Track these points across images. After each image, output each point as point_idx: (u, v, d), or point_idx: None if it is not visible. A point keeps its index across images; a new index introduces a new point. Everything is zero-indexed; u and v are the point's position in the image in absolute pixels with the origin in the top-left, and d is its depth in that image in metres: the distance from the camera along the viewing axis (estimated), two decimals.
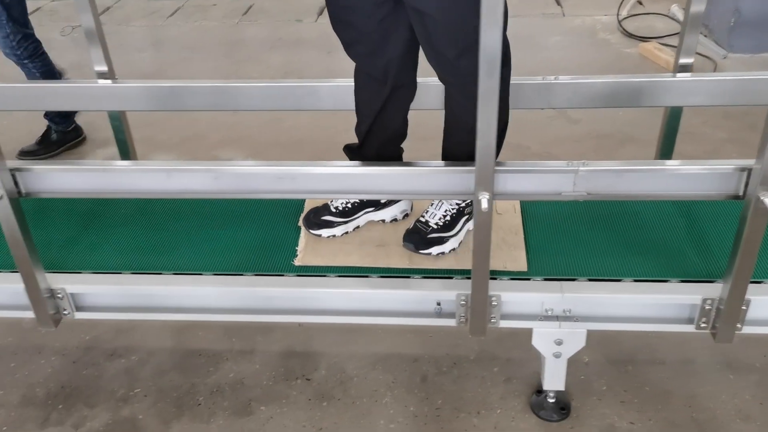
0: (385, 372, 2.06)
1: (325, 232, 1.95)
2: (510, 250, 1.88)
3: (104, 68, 2.11)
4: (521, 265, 1.83)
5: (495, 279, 1.74)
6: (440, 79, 1.72)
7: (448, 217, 1.88)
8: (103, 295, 1.81)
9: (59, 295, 1.78)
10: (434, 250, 1.85)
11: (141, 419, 1.94)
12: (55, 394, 2.03)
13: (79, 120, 3.38)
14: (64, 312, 1.80)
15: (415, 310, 1.76)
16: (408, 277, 1.80)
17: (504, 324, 1.73)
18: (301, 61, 4.41)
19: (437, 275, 1.80)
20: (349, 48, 1.74)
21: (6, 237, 1.63)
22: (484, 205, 1.45)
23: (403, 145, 1.95)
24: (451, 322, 1.75)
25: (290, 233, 1.98)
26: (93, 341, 2.20)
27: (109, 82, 2.09)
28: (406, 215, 2.04)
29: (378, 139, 1.86)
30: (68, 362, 2.13)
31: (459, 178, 1.58)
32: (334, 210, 1.97)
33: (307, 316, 1.83)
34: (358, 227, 1.99)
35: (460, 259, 1.85)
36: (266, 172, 1.63)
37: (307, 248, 1.92)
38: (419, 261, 1.85)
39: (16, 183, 1.62)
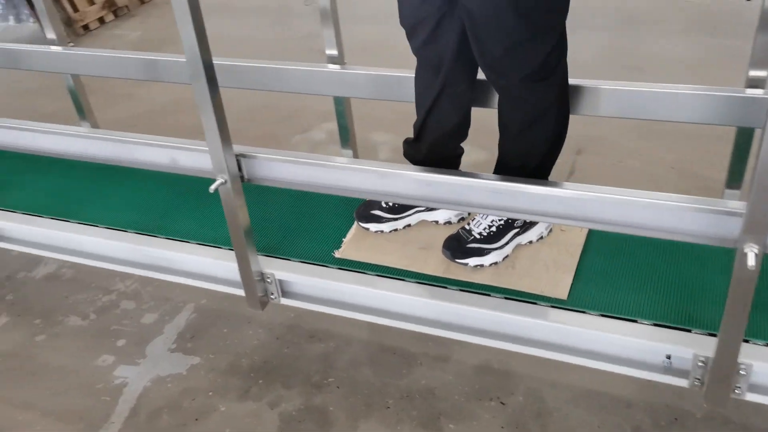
0: (590, 412, 1.83)
1: (372, 227, 1.91)
2: (555, 273, 1.70)
3: (334, 52, 2.09)
4: (561, 292, 1.65)
5: (747, 342, 1.43)
6: (487, 78, 1.62)
7: (494, 228, 1.75)
8: (308, 286, 1.81)
9: (268, 280, 1.80)
10: (472, 261, 1.74)
11: (331, 411, 1.93)
12: (258, 367, 2.10)
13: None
14: (271, 296, 1.83)
15: (640, 359, 1.52)
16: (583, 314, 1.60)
17: (753, 398, 1.42)
18: None
19: (469, 289, 1.68)
20: (410, 39, 1.67)
21: (226, 217, 1.68)
22: (751, 261, 1.16)
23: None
24: (682, 383, 1.47)
25: None
26: (297, 320, 2.25)
27: (337, 67, 2.07)
28: (462, 219, 1.92)
29: (432, 135, 1.77)
30: (272, 337, 2.20)
31: (715, 219, 1.29)
32: (384, 205, 1.90)
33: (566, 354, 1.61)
34: (409, 225, 1.92)
35: (498, 276, 1.71)
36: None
37: (352, 241, 1.90)
38: (455, 271, 1.75)
39: (240, 168, 1.64)
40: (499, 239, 1.75)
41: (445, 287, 1.71)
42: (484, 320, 1.66)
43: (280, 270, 1.80)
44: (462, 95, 1.70)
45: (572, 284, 1.67)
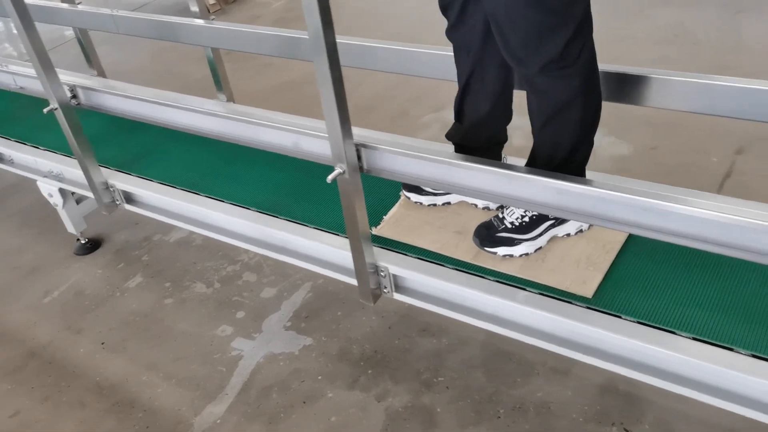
0: None
1: (414, 197, 1.92)
2: (585, 270, 1.62)
3: None
4: (587, 290, 1.57)
5: None
6: (511, 66, 1.55)
7: (526, 218, 1.68)
8: (422, 284, 1.73)
9: (382, 273, 1.74)
10: (501, 250, 1.69)
11: (439, 413, 1.86)
12: (368, 356, 2.06)
13: None
14: (384, 290, 1.77)
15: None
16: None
17: None
18: (693, 20, 3.74)
19: (496, 278, 1.65)
20: (447, 19, 1.64)
21: (343, 208, 1.63)
22: None
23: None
24: None
25: None
26: (409, 310, 2.18)
27: None
28: (501, 206, 1.78)
29: (467, 119, 1.74)
30: (384, 326, 2.15)
31: None
32: None
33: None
34: (448, 203, 1.91)
35: (526, 268, 1.65)
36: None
37: (391, 220, 1.90)
38: (483, 259, 1.71)
39: (359, 158, 1.57)
40: (531, 230, 1.68)
41: (572, 303, 1.57)
42: (612, 344, 1.50)
43: (394, 264, 1.73)
44: (492, 82, 1.65)
45: (601, 284, 1.59)
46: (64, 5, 2.78)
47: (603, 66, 1.62)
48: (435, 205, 1.91)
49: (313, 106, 3.56)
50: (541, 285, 1.62)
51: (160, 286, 2.50)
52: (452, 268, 1.71)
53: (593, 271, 1.61)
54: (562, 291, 1.59)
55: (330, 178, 1.54)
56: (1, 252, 2.84)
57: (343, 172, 1.54)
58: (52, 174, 2.54)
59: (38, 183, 2.57)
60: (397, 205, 1.97)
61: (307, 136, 1.68)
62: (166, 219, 2.25)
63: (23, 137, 2.71)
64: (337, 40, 1.38)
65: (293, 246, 1.97)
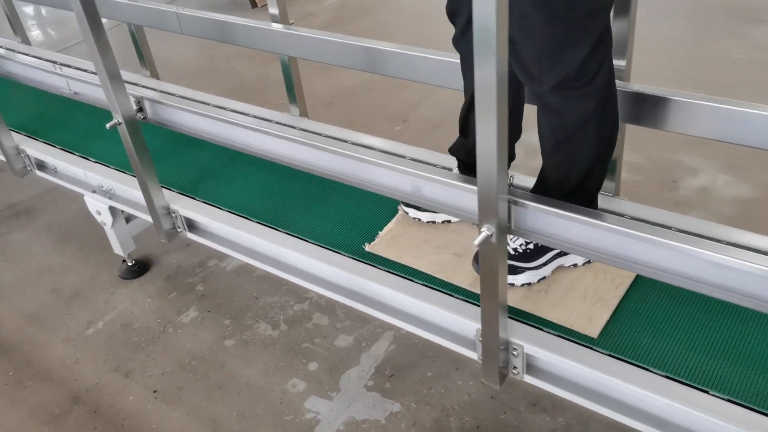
0: None
1: (412, 212, 1.80)
2: (592, 306, 1.49)
3: None
4: (593, 329, 1.44)
5: None
6: (522, 82, 1.41)
7: (531, 245, 1.55)
8: (558, 367, 1.42)
9: (515, 352, 1.44)
10: None
11: None
12: (468, 430, 1.76)
13: None
14: (514, 371, 1.47)
15: None
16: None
17: None
18: None
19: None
20: (454, 27, 1.54)
21: (482, 273, 1.32)
22: None
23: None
24: None
25: None
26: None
27: None
28: None
29: (473, 135, 1.47)
30: (486, 394, 1.85)
31: None
32: None
33: None
34: (448, 221, 1.78)
35: (528, 299, 1.53)
36: None
37: (387, 236, 1.78)
38: None
39: (509, 217, 1.27)
40: (535, 258, 1.55)
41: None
42: (618, 391, 1.20)
43: (529, 342, 1.43)
44: None
45: (608, 322, 1.46)
46: None
47: (620, 84, 1.50)
48: (434, 222, 1.79)
49: (375, 115, 3.29)
50: (543, 319, 1.48)
51: (218, 324, 2.21)
52: (599, 353, 1.40)
53: (600, 308, 1.49)
54: (565, 328, 1.45)
55: (478, 241, 1.23)
56: (40, 269, 2.56)
57: (491, 234, 1.24)
58: (102, 190, 2.25)
59: (86, 198, 2.29)
60: (394, 220, 1.83)
61: (435, 183, 1.38)
62: (236, 254, 1.96)
63: (70, 145, 2.43)
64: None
65: (392, 301, 1.67)
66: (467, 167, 1.71)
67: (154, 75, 2.87)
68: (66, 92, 2.08)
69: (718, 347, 1.39)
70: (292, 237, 1.85)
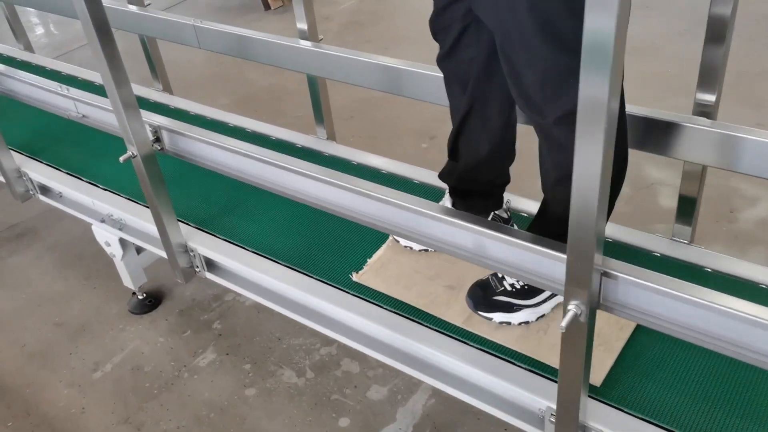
0: None
1: (403, 240, 1.69)
2: (595, 349, 1.28)
3: None
4: (595, 376, 1.34)
5: None
6: (521, 110, 1.33)
7: None
8: None
9: None
10: (497, 316, 1.48)
11: None
12: None
13: None
14: None
15: None
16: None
17: None
18: None
19: (488, 350, 1.42)
20: (440, 45, 1.44)
21: (561, 358, 1.13)
22: None
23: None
24: None
25: None
26: None
27: None
28: None
29: (463, 159, 1.54)
30: None
31: None
32: None
33: None
34: None
35: (525, 340, 1.43)
36: None
37: (376, 264, 1.68)
38: (477, 324, 1.49)
39: (600, 291, 1.08)
40: (534, 295, 1.46)
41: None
42: None
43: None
44: (494, 119, 1.44)
45: (612, 368, 1.37)
46: (134, 8, 2.29)
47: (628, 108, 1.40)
48: (427, 251, 1.68)
49: (399, 131, 3.08)
50: (540, 363, 1.38)
51: (238, 369, 2.01)
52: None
53: (604, 353, 1.39)
54: None
55: (564, 323, 1.04)
56: (42, 298, 2.37)
57: (579, 314, 1.05)
58: (112, 220, 2.06)
59: (93, 228, 2.10)
60: (384, 246, 1.73)
61: (503, 243, 1.19)
62: (259, 299, 1.77)
63: (77, 168, 2.23)
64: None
65: (447, 367, 1.47)
66: (460, 194, 1.61)
67: (167, 89, 2.67)
68: (73, 115, 1.88)
69: (732, 400, 1.28)
70: (329, 285, 1.66)
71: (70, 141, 2.39)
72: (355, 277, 1.65)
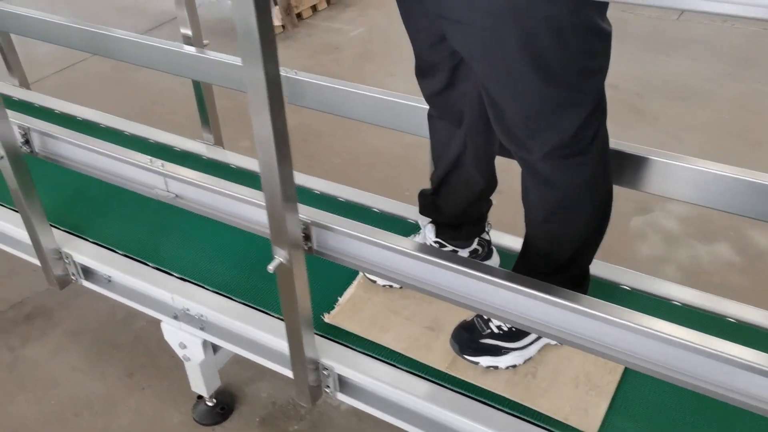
0: None
1: (380, 280, 1.59)
2: (586, 394, 1.36)
3: None
4: (590, 424, 1.30)
5: None
6: (506, 146, 1.28)
7: None
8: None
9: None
10: (484, 360, 1.43)
11: None
12: None
13: None
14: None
15: None
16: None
17: None
18: None
19: (475, 397, 1.37)
20: (420, 82, 1.41)
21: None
22: None
23: None
24: None
25: None
26: None
27: None
28: None
29: (454, 193, 1.52)
30: None
31: None
32: None
33: None
34: None
35: (514, 385, 1.39)
36: None
37: (348, 304, 1.58)
38: (462, 368, 1.43)
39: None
40: (521, 337, 1.43)
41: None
42: None
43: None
44: (484, 153, 1.43)
45: (607, 413, 1.33)
46: None
47: None
48: (391, 287, 1.60)
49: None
50: (533, 410, 1.34)
51: None
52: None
53: (595, 397, 1.36)
54: (559, 422, 1.31)
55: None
56: (78, 405, 1.92)
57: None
58: (189, 315, 1.65)
59: (163, 327, 1.69)
60: (354, 284, 1.63)
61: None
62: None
63: (133, 247, 1.80)
64: None
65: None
66: (444, 227, 1.58)
67: (24, 84, 2.55)
68: None
69: None
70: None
71: (120, 213, 1.92)
72: (327, 318, 1.54)
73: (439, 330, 1.51)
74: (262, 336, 1.51)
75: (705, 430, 1.29)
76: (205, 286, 1.66)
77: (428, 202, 1.59)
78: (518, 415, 1.34)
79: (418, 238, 1.65)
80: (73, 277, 1.81)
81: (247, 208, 1.31)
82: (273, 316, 1.55)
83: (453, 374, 1.42)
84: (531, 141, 1.21)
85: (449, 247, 1.58)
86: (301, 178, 1.98)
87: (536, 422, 1.33)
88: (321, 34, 4.23)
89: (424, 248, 1.20)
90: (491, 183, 1.51)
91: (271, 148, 1.06)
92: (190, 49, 1.93)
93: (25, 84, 2.62)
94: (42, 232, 1.67)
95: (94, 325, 2.17)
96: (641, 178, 1.43)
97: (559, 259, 1.36)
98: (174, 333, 1.68)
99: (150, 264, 1.73)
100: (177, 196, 1.41)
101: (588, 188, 1.28)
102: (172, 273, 1.70)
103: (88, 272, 1.79)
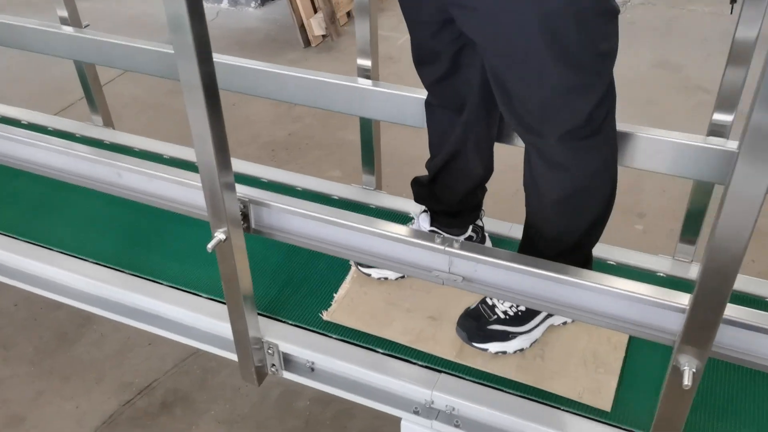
0: None
1: (375, 272, 1.59)
2: (596, 372, 1.38)
3: None
4: (604, 400, 1.32)
5: None
6: (516, 132, 1.32)
7: (522, 306, 1.43)
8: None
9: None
10: (493, 346, 1.43)
11: None
12: None
13: None
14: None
15: None
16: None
17: None
18: None
19: (488, 383, 1.36)
20: (419, 70, 1.41)
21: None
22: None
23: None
24: None
25: None
26: None
27: None
28: None
29: (454, 181, 1.51)
30: None
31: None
32: None
33: None
34: (403, 277, 1.59)
35: (524, 369, 1.40)
36: None
37: (345, 300, 1.55)
38: (471, 356, 1.43)
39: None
40: (528, 320, 1.45)
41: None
42: None
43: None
44: (485, 140, 1.45)
45: (617, 390, 1.35)
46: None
47: None
48: (387, 279, 1.59)
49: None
50: (542, 391, 1.36)
51: None
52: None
53: (605, 374, 1.38)
54: (571, 400, 1.33)
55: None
56: None
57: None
58: (432, 409, 1.37)
59: (403, 425, 1.40)
60: (348, 279, 1.61)
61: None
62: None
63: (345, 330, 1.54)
64: None
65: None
66: (439, 215, 1.59)
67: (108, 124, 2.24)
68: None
69: (738, 410, 1.29)
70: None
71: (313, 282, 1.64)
72: (325, 316, 1.51)
73: (441, 319, 1.50)
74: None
75: (710, 401, 1.32)
76: (455, 375, 1.41)
77: (424, 191, 1.58)
78: (532, 397, 1.34)
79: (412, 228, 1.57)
80: (273, 370, 1.49)
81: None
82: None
83: (462, 362, 1.41)
84: (544, 126, 1.21)
85: (444, 236, 1.48)
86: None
87: (552, 404, 1.32)
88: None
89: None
90: (489, 170, 1.53)
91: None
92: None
93: (109, 123, 2.24)
94: (250, 320, 1.38)
95: (246, 411, 1.82)
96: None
97: (566, 242, 1.37)
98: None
99: (382, 350, 1.46)
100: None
101: (599, 170, 1.29)
102: (413, 360, 1.43)
103: (289, 362, 1.49)
